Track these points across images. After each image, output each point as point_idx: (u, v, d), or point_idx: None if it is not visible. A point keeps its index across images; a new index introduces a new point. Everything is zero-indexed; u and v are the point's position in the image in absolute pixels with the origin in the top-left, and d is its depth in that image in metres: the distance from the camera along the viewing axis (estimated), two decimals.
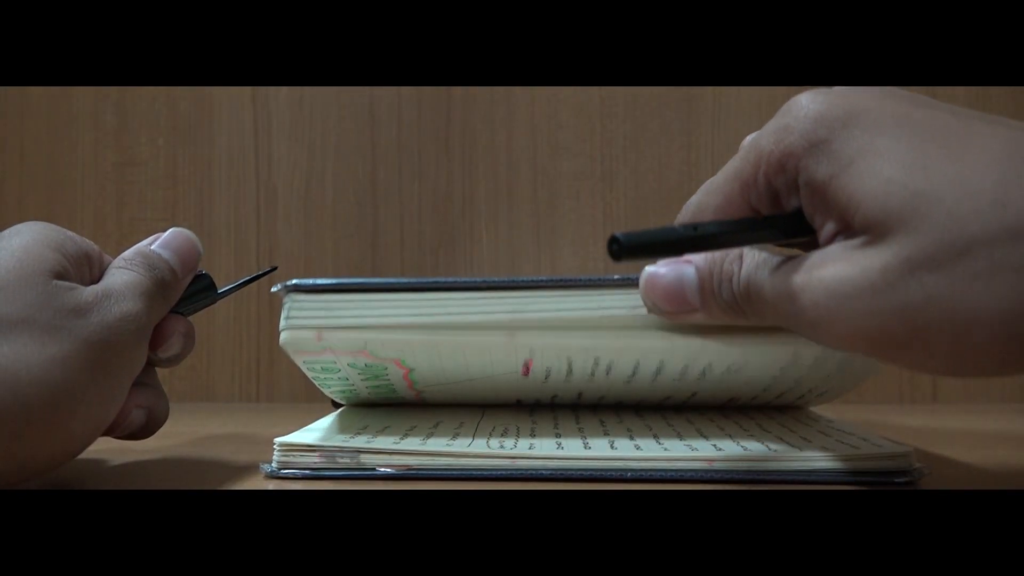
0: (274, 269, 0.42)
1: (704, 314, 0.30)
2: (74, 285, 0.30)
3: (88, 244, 0.33)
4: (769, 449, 0.32)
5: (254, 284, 0.62)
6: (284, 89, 0.63)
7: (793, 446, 0.32)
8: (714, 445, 0.32)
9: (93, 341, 0.29)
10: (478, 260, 0.62)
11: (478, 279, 0.34)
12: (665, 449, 0.32)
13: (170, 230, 0.35)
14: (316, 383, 0.39)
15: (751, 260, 0.29)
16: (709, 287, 0.30)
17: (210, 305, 0.37)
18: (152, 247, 0.34)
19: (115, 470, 0.35)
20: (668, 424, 0.37)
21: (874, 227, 0.25)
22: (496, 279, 0.34)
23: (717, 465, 0.30)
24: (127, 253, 0.34)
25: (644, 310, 0.32)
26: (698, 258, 0.30)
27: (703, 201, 0.30)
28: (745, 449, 0.32)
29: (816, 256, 0.26)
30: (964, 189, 0.24)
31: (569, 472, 0.30)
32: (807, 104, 0.27)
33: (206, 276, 0.37)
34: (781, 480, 0.30)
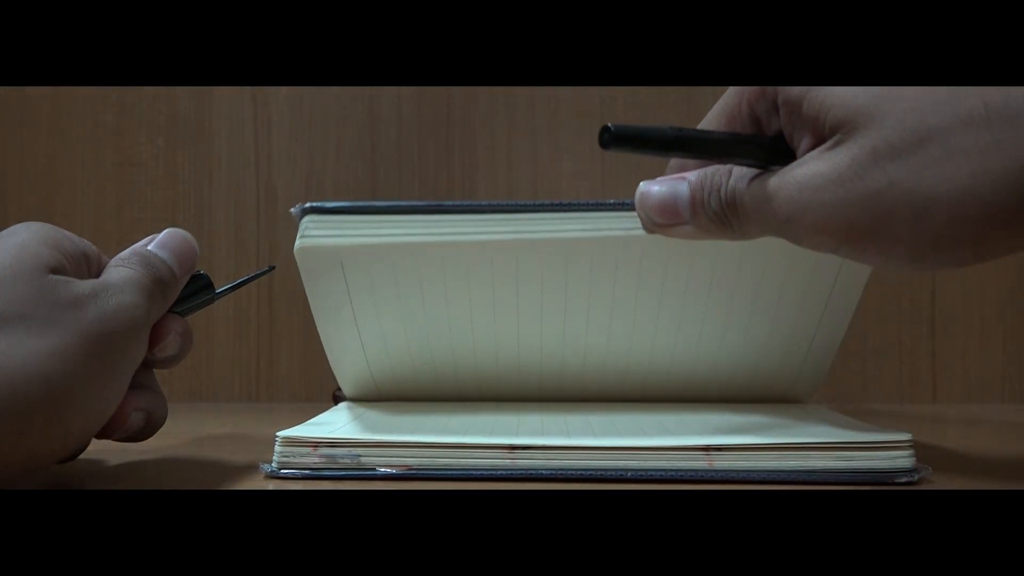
0: (272, 268, 0.42)
1: (694, 226, 0.32)
2: (70, 279, 0.30)
3: (86, 244, 0.33)
4: (768, 420, 0.32)
5: (253, 283, 0.62)
6: (284, 89, 0.63)
7: (791, 420, 0.32)
8: (712, 418, 0.33)
9: (91, 333, 0.29)
10: None
11: (483, 202, 0.35)
12: (664, 427, 0.33)
13: (166, 230, 0.35)
14: (323, 336, 0.39)
15: (737, 172, 0.31)
16: (699, 198, 0.31)
17: (208, 304, 0.37)
18: (149, 247, 0.34)
19: (115, 470, 0.35)
20: (665, 410, 0.38)
21: (843, 126, 0.28)
22: (499, 202, 0.36)
23: (717, 464, 0.30)
24: (123, 253, 0.34)
25: (639, 232, 0.33)
26: (691, 174, 0.32)
27: None
28: (745, 420, 0.32)
29: (792, 164, 0.29)
30: (923, 89, 0.29)
31: (569, 472, 0.30)
32: None
33: (204, 276, 0.37)
34: (782, 480, 0.30)
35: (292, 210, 0.37)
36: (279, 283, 0.62)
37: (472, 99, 0.62)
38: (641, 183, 0.33)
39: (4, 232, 0.31)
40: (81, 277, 0.31)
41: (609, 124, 0.28)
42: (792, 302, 0.38)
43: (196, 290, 0.37)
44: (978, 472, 0.33)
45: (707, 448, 0.30)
